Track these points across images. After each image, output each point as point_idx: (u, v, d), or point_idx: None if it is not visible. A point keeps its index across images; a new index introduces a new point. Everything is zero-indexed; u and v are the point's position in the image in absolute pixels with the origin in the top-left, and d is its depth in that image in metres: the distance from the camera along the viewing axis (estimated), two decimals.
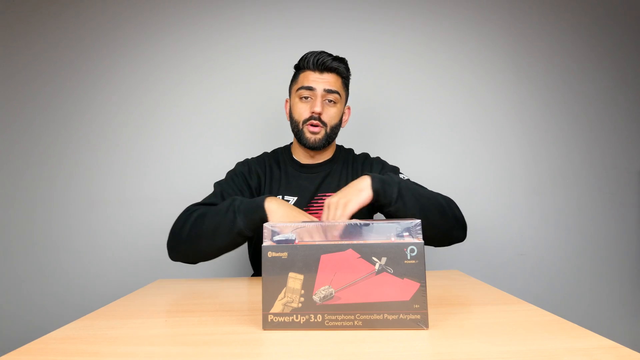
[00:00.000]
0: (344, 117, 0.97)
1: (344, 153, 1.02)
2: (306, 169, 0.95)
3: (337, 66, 0.88)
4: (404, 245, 0.43)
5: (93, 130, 1.45)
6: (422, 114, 1.48)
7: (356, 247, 0.44)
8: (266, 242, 0.45)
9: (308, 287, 0.44)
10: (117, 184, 1.44)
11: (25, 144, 1.43)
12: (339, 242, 0.44)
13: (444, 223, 0.74)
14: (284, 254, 0.44)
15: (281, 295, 0.45)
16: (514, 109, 1.50)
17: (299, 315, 0.45)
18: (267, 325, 0.45)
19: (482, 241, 1.44)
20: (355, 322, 0.44)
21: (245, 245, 1.00)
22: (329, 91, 0.87)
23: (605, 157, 1.50)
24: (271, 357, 0.37)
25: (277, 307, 0.45)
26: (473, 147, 1.48)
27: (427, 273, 0.74)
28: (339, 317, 0.45)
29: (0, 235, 1.42)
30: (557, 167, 1.49)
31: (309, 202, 0.91)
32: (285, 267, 0.44)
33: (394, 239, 0.44)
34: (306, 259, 0.44)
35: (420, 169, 1.43)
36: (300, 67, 0.92)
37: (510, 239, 1.46)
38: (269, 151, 1.04)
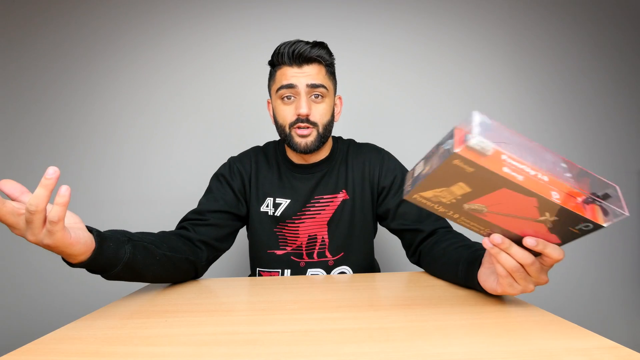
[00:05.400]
0: (336, 109, 0.86)
1: (342, 147, 0.90)
2: (300, 169, 0.86)
3: (317, 55, 0.76)
4: (582, 218, 0.39)
5: (96, 132, 1.45)
6: (420, 114, 1.48)
7: (540, 199, 0.38)
8: (458, 148, 0.35)
9: (467, 198, 0.41)
10: (118, 184, 1.44)
11: (29, 145, 1.43)
12: (527, 188, 0.38)
13: None
14: (471, 169, 0.37)
15: (439, 190, 0.41)
16: (513, 109, 1.50)
17: (440, 207, 0.44)
18: (408, 196, 0.44)
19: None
20: (482, 231, 0.46)
21: (245, 244, 0.99)
22: (313, 86, 0.76)
23: (605, 157, 1.50)
24: (271, 357, 0.37)
25: (428, 194, 0.42)
26: None
27: (428, 273, 0.74)
28: (472, 224, 0.44)
29: (3, 234, 1.42)
30: None
31: (303, 206, 0.84)
32: (461, 177, 0.39)
33: (580, 199, 0.39)
34: (486, 184, 0.38)
35: None
36: (275, 64, 0.80)
37: None
38: (261, 145, 0.96)
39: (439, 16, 1.49)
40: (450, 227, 0.78)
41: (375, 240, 0.94)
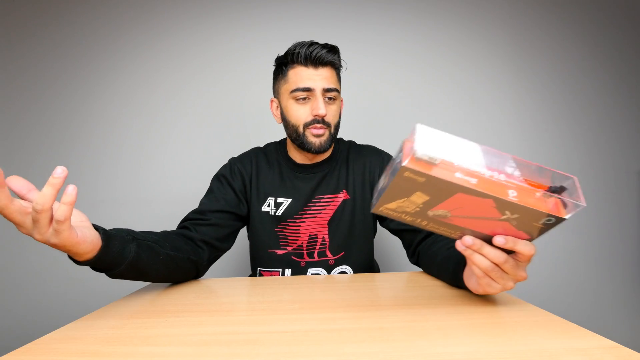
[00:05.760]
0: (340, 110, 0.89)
1: (343, 148, 0.92)
2: (302, 168, 0.87)
3: (332, 59, 0.79)
4: (541, 213, 0.40)
5: (95, 132, 1.45)
6: (420, 114, 1.48)
7: (497, 200, 0.39)
8: (405, 161, 0.37)
9: (429, 206, 0.42)
10: (119, 184, 1.44)
11: (28, 145, 1.43)
12: (482, 191, 0.38)
13: None
14: (422, 179, 0.38)
15: (400, 200, 0.43)
16: (514, 109, 1.50)
17: (407, 216, 0.45)
18: (374, 209, 0.45)
19: None
20: (454, 234, 0.46)
21: (246, 244, 0.99)
22: (329, 90, 0.79)
23: (605, 157, 1.50)
24: (271, 357, 0.37)
25: (392, 205, 0.44)
26: None
27: (426, 273, 0.74)
28: (442, 228, 0.45)
29: (3, 234, 1.42)
30: (557, 167, 1.49)
31: (304, 205, 0.84)
32: (416, 187, 0.40)
33: (538, 194, 0.40)
34: (441, 191, 0.39)
35: None
36: (287, 62, 0.80)
37: None
38: (261, 146, 0.96)
39: (439, 16, 1.49)
40: None
41: (375, 240, 0.94)
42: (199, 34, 1.47)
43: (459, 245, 0.46)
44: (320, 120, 0.79)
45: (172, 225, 0.96)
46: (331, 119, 0.81)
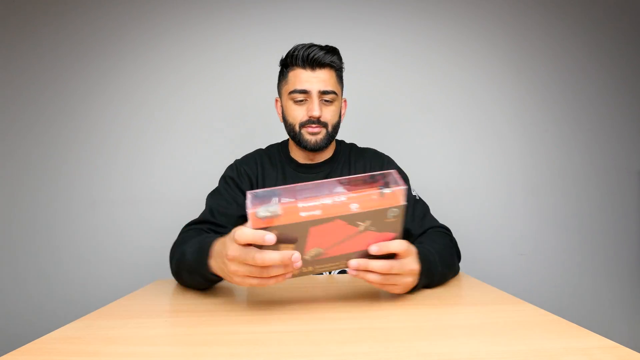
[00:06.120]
0: (342, 111, 0.90)
1: (344, 149, 0.94)
2: (305, 168, 0.89)
3: (330, 61, 0.80)
4: (384, 210, 0.46)
5: (95, 131, 1.45)
6: (421, 115, 1.48)
7: (344, 218, 0.45)
8: (252, 224, 0.43)
9: (299, 251, 0.46)
10: (119, 184, 1.44)
11: (26, 145, 1.43)
12: (327, 216, 0.44)
13: (454, 272, 0.72)
14: (274, 232, 0.43)
15: None
16: (514, 109, 1.50)
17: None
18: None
19: (482, 241, 1.44)
20: (342, 265, 0.51)
21: None
22: (325, 92, 0.80)
23: (605, 157, 1.50)
24: (271, 357, 0.37)
25: None
26: (473, 148, 1.48)
27: None
28: (327, 265, 0.49)
29: (1, 235, 1.42)
30: (557, 167, 1.49)
31: None
32: (276, 242, 0.44)
33: (374, 195, 0.46)
34: (295, 233, 0.44)
35: (420, 169, 1.43)
36: (288, 64, 0.82)
37: (510, 239, 1.47)
38: (263, 147, 0.97)
39: (439, 16, 1.49)
40: (441, 226, 0.80)
41: None
42: (198, 34, 1.47)
43: (351, 272, 0.49)
44: (316, 121, 0.81)
45: (171, 225, 0.96)
46: (328, 119, 0.82)
